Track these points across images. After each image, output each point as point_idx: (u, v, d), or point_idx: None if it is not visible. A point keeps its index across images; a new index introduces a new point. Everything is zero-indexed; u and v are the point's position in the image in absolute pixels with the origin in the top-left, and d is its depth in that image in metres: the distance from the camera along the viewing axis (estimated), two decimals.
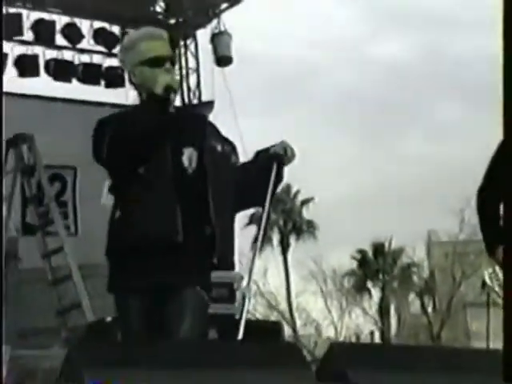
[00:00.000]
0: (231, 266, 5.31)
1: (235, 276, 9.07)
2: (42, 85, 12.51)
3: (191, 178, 4.88)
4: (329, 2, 66.31)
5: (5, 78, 12.14)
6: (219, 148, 5.04)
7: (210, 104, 5.12)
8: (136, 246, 4.78)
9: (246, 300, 5.06)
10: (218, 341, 4.74)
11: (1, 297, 2.83)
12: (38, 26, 12.25)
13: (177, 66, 13.38)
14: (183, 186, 4.88)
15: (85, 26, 12.59)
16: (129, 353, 3.39)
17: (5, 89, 12.16)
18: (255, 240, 5.18)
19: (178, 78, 5.16)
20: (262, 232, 5.13)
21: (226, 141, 5.18)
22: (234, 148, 5.22)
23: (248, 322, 8.93)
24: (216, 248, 4.86)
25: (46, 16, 12.37)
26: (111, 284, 4.97)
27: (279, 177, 5.09)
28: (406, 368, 3.64)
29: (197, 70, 13.52)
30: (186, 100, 13.30)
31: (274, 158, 5.04)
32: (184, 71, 13.65)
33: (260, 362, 3.40)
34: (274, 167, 5.01)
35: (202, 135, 4.97)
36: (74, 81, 12.59)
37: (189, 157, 4.89)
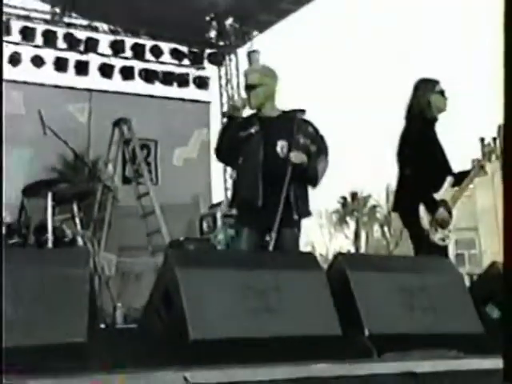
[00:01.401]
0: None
1: None
2: (137, 86, 12.57)
3: (282, 161, 4.78)
4: None
5: (114, 82, 12.28)
6: (302, 141, 4.88)
7: (303, 111, 5.06)
8: (240, 205, 4.94)
9: None
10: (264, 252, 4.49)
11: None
12: (135, 47, 12.29)
13: (223, 71, 13.54)
14: (273, 167, 4.78)
15: (164, 46, 12.62)
16: (206, 257, 3.66)
17: (113, 89, 12.46)
18: None
19: (260, 96, 4.95)
20: None
21: (309, 134, 4.98)
22: (313, 140, 4.98)
23: None
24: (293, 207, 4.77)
25: (140, 41, 12.40)
26: (235, 224, 5.12)
27: None
28: (386, 269, 3.80)
29: (237, 76, 13.49)
30: (230, 93, 13.50)
31: None
32: (228, 76, 13.64)
33: (289, 264, 3.56)
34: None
35: (291, 132, 4.85)
36: (157, 83, 12.63)
37: (281, 147, 4.83)
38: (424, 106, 5.48)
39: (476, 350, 3.39)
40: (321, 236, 44.29)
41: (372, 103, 63.07)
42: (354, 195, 44.62)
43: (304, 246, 40.55)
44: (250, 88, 5.01)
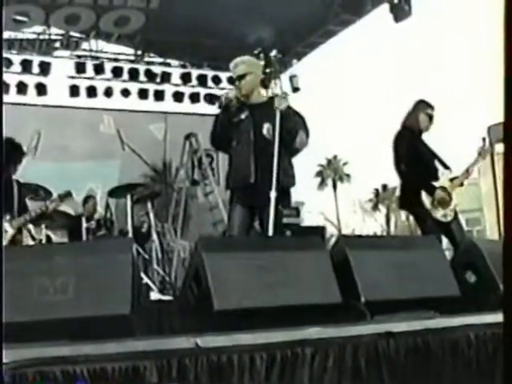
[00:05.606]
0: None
1: (299, 203, 9.01)
2: (202, 107, 12.56)
3: (268, 142, 4.37)
4: None
5: (184, 105, 12.29)
6: (286, 121, 4.35)
7: (285, 93, 4.63)
8: (234, 184, 4.61)
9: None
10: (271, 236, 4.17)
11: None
12: (200, 77, 12.32)
13: (270, 92, 13.32)
14: (261, 148, 4.42)
15: (222, 75, 12.52)
16: (227, 243, 3.55)
17: (183, 111, 12.44)
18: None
19: (249, 84, 4.53)
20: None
21: (293, 115, 4.45)
22: (296, 120, 4.46)
23: (308, 227, 8.80)
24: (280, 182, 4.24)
25: (203, 72, 12.47)
26: (229, 204, 4.68)
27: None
28: (379, 247, 3.61)
29: None
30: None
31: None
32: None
33: (295, 246, 3.38)
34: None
35: (274, 114, 4.35)
36: (217, 104, 12.56)
37: (267, 129, 4.44)
38: (413, 121, 5.43)
39: (453, 310, 3.26)
40: (355, 221, 43.84)
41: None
42: (384, 186, 43.93)
43: (345, 228, 40.09)
44: (239, 78, 4.55)
